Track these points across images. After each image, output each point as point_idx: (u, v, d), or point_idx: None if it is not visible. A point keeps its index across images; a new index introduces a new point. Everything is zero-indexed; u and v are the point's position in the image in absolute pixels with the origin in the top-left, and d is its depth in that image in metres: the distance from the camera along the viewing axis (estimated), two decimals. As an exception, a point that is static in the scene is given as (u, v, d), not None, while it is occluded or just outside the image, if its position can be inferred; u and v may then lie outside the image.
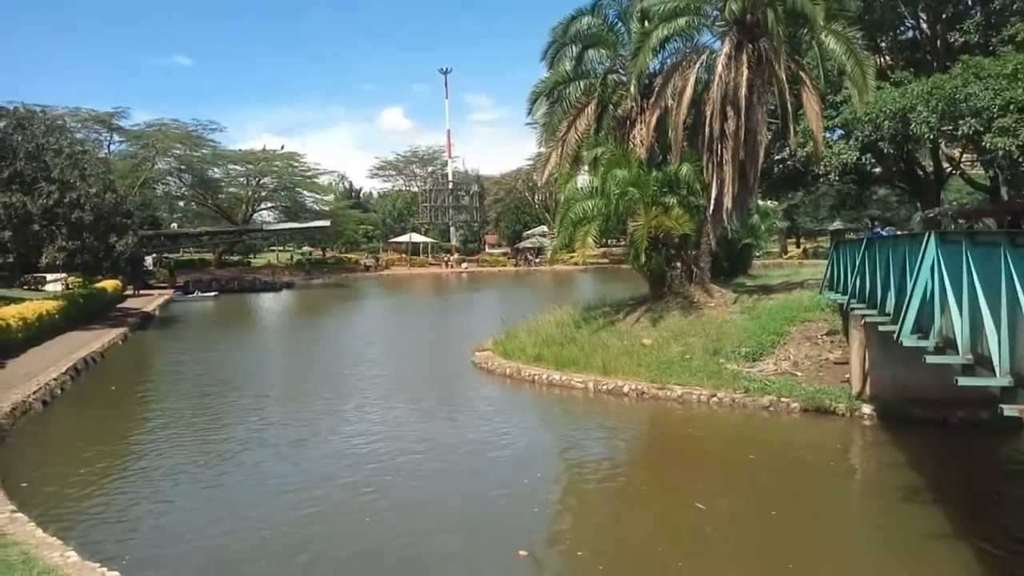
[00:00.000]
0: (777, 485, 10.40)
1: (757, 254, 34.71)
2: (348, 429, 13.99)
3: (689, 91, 19.04)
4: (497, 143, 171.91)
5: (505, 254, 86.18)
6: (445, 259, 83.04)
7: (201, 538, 8.85)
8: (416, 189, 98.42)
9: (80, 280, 36.18)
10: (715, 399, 14.78)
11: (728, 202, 19.34)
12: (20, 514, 8.53)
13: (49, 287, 36.66)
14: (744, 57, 18.69)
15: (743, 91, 18.45)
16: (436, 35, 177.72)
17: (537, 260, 79.59)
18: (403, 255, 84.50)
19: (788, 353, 16.18)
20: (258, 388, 18.80)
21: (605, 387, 16.32)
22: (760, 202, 29.03)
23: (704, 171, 19.69)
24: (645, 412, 15.12)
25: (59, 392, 16.86)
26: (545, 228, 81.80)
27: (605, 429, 14.29)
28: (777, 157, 24.34)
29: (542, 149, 26.04)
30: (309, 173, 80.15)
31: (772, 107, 20.35)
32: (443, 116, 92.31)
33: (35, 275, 36.96)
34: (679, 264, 21.30)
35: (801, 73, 19.54)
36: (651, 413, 15.00)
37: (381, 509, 9.69)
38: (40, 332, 23.07)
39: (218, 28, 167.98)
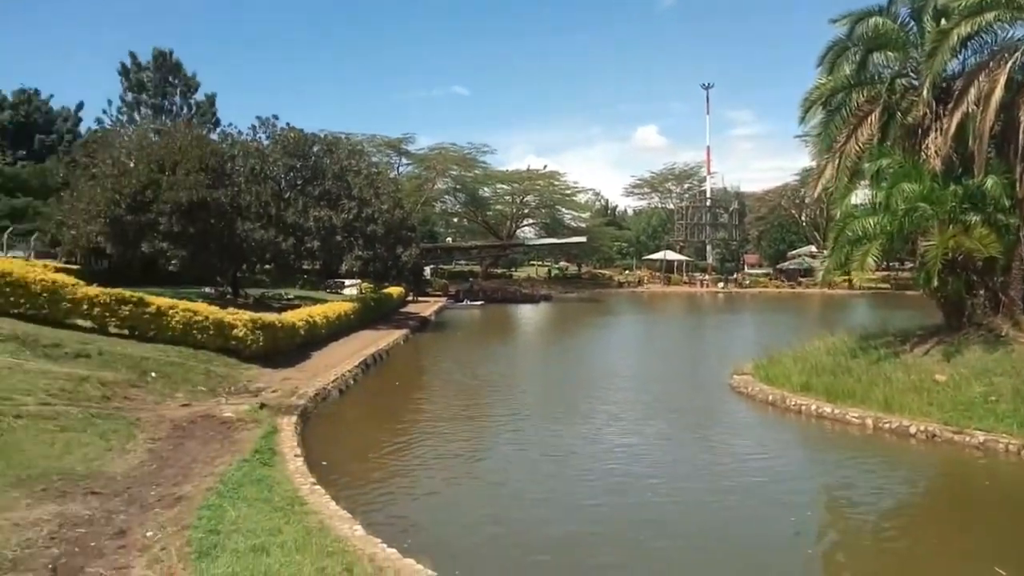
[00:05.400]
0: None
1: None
2: (600, 447, 14.01)
3: (998, 94, 16.34)
4: (759, 158, 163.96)
5: (767, 274, 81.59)
6: (700, 278, 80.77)
7: (467, 525, 9.57)
8: (672, 207, 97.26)
9: (371, 286, 41.01)
10: (1028, 451, 12.46)
11: (1050, 221, 16.35)
12: (319, 487, 9.64)
13: (347, 291, 42.20)
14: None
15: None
16: (694, 52, 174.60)
17: (800, 282, 74.29)
18: (656, 273, 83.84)
19: None
20: (520, 398, 19.73)
21: (887, 425, 14.54)
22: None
23: (1017, 185, 16.87)
24: (936, 458, 13.19)
25: (352, 383, 19.13)
26: (813, 248, 76.14)
27: (887, 472, 12.65)
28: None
29: (814, 162, 24.26)
30: (568, 191, 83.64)
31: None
32: (699, 133, 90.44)
33: (336, 280, 42.77)
34: (982, 291, 18.36)
35: None
36: (944, 459, 13.04)
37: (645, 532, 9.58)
38: (339, 330, 26.60)
39: (491, 60, 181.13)
